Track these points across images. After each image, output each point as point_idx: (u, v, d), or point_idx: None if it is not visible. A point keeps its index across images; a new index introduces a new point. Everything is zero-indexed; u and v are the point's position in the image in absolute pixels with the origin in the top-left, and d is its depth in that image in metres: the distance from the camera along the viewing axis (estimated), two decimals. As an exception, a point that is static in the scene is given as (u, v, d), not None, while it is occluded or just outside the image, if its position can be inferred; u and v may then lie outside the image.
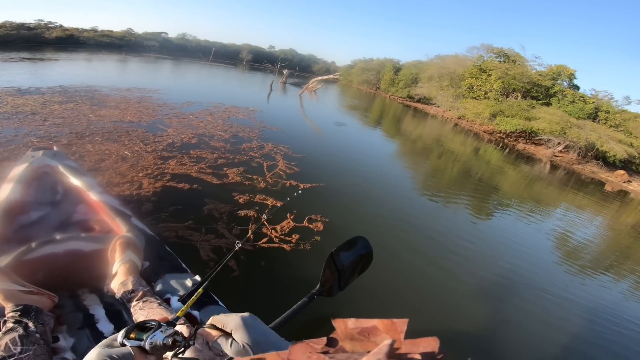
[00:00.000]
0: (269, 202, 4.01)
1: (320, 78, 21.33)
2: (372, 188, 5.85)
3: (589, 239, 7.06)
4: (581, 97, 23.81)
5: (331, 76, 24.21)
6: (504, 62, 27.35)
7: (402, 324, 0.36)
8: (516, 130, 20.67)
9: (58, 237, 1.38)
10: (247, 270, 2.72)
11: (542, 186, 11.37)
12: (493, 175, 10.52)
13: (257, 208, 3.79)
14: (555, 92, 24.67)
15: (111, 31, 48.09)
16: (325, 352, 0.35)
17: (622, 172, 17.81)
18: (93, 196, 1.80)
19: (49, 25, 42.62)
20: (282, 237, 3.34)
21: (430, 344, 0.32)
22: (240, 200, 3.89)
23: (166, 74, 19.10)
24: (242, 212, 3.63)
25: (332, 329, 0.37)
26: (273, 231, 3.38)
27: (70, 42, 37.70)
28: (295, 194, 1.80)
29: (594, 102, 22.84)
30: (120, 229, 1.62)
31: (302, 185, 4.80)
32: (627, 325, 3.71)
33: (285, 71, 24.91)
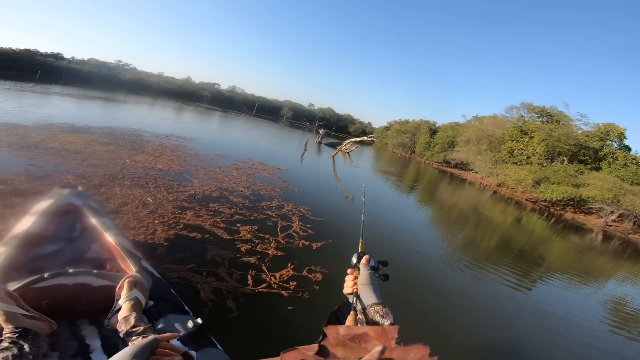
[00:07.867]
0: (269, 252, 4.02)
1: (354, 140, 21.72)
2: (394, 252, 5.41)
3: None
4: (634, 159, 21.50)
5: (365, 138, 24.61)
6: (547, 122, 25.51)
7: (392, 330, 0.37)
8: (563, 198, 18.95)
9: (71, 270, 1.43)
10: (246, 312, 2.78)
11: (594, 256, 10.14)
12: (537, 246, 9.53)
13: (258, 256, 3.79)
14: (605, 154, 22.59)
15: (174, 78, 56.01)
16: None
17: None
18: (109, 237, 1.91)
19: (125, 67, 50.26)
20: (281, 283, 3.38)
21: (421, 350, 0.33)
22: (242, 249, 3.93)
23: (208, 124, 20.79)
24: (243, 259, 3.68)
25: (324, 336, 0.38)
26: (272, 277, 3.44)
27: (139, 85, 44.03)
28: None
29: (649, 165, 20.48)
30: (130, 269, 1.70)
31: (314, 245, 4.58)
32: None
33: (321, 131, 26.03)
